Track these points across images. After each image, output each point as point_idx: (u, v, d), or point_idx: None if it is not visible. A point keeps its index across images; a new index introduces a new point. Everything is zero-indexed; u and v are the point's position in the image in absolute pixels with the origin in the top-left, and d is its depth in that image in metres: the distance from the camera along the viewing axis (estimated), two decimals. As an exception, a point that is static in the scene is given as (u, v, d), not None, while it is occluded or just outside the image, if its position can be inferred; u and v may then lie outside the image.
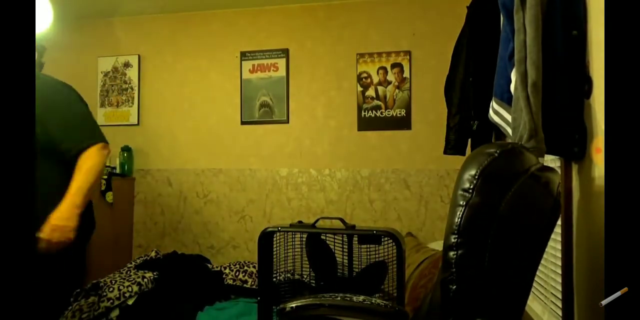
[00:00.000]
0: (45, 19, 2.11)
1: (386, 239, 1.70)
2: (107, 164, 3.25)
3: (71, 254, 1.73)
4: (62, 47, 3.44)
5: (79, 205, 1.62)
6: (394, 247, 1.66)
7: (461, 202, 0.76)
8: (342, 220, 1.79)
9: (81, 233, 1.76)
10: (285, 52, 3.29)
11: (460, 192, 0.77)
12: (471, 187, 0.75)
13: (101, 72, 3.55)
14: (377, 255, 1.74)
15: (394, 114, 3.13)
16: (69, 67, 3.51)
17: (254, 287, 2.74)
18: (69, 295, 1.84)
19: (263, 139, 3.32)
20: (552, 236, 1.30)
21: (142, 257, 3.03)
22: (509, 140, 1.22)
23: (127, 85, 3.52)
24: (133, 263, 2.94)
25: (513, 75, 1.18)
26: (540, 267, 1.54)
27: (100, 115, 3.53)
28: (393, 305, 1.19)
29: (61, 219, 1.59)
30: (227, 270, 2.85)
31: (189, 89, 3.44)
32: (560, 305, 1.31)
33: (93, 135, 1.73)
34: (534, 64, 1.10)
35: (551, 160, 1.49)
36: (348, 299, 1.15)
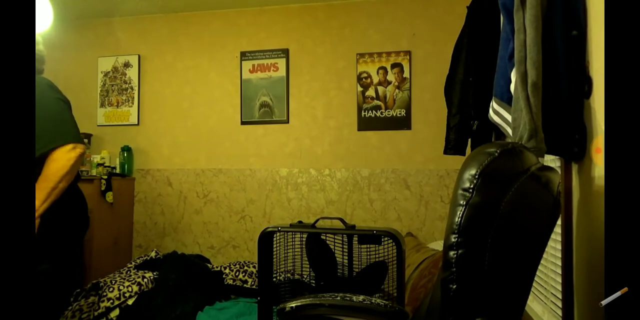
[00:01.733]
0: (45, 19, 2.11)
1: (386, 239, 1.70)
2: (107, 164, 3.26)
3: (67, 251, 1.73)
4: (62, 47, 3.44)
5: (36, 209, 1.58)
6: (394, 247, 1.66)
7: (461, 202, 0.76)
8: (342, 220, 1.79)
9: (75, 230, 1.76)
10: (285, 52, 3.29)
11: (460, 191, 0.77)
12: (471, 186, 0.75)
13: (101, 72, 3.55)
14: (377, 255, 1.74)
15: (394, 114, 3.13)
16: (69, 67, 3.52)
17: (254, 287, 2.74)
18: (68, 294, 1.84)
19: (263, 139, 3.32)
20: (552, 236, 1.30)
21: (142, 257, 3.03)
22: (509, 140, 1.22)
23: (127, 85, 3.52)
24: (133, 263, 2.94)
25: (513, 75, 1.18)
26: (540, 267, 1.54)
27: (100, 115, 3.53)
28: (393, 305, 1.18)
29: None
30: (227, 270, 2.85)
31: (189, 89, 3.44)
32: (560, 305, 1.31)
33: (60, 136, 1.64)
34: (534, 64, 1.10)
35: (551, 160, 1.49)
36: (348, 298, 1.15)
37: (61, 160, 1.61)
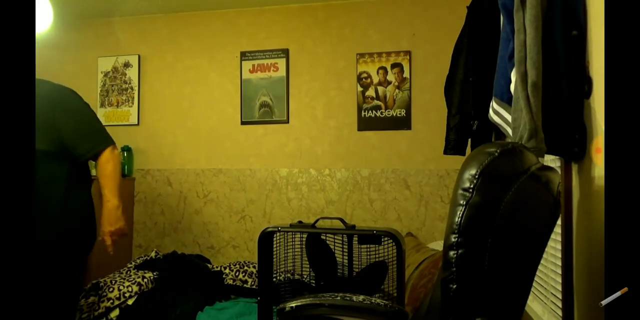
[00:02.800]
0: (45, 19, 2.11)
1: (386, 239, 1.70)
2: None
3: (72, 264, 1.76)
4: (62, 47, 3.44)
5: (118, 205, 1.83)
6: (394, 247, 1.66)
7: (461, 202, 0.76)
8: (342, 220, 1.79)
9: (82, 244, 1.79)
10: (285, 52, 3.29)
11: (460, 191, 0.77)
12: (471, 186, 0.75)
13: (101, 72, 3.56)
14: (377, 255, 1.74)
15: (394, 114, 3.13)
16: (69, 67, 3.52)
17: (254, 287, 2.74)
18: (72, 301, 1.88)
19: (263, 139, 3.32)
20: (552, 236, 1.30)
21: (142, 257, 3.03)
22: (509, 140, 1.22)
23: (127, 85, 3.52)
24: (133, 263, 2.94)
25: (513, 75, 1.18)
26: (540, 267, 1.54)
27: (100, 115, 3.52)
28: (393, 305, 1.18)
29: (111, 224, 1.82)
30: (227, 270, 2.85)
31: (189, 89, 3.44)
32: (560, 305, 1.31)
33: (103, 139, 1.89)
34: (534, 64, 1.10)
35: (551, 160, 1.49)
36: (348, 298, 1.15)
37: (113, 160, 1.87)
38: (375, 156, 3.15)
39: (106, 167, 1.84)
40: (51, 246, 1.63)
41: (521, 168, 0.80)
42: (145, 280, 2.63)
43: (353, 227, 1.75)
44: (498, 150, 0.78)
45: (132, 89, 3.51)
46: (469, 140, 2.07)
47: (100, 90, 3.55)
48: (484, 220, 0.75)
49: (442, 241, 0.84)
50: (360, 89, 3.19)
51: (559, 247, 1.35)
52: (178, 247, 3.34)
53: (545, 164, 0.91)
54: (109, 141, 1.90)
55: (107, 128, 3.59)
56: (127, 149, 3.40)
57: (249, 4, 3.31)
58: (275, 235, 1.80)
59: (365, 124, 3.17)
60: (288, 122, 3.28)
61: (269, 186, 3.28)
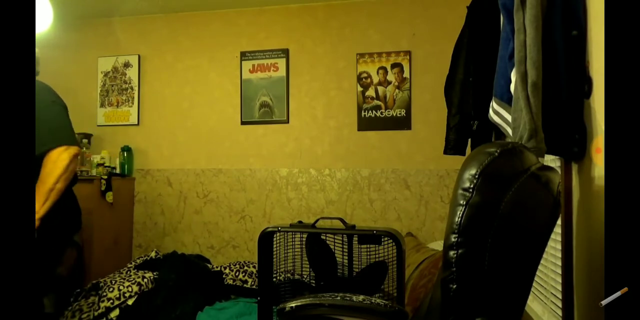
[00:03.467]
0: (45, 19, 2.11)
1: (386, 239, 1.70)
2: (107, 164, 3.26)
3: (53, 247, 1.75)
4: (62, 47, 3.45)
5: (37, 219, 1.62)
6: (394, 247, 1.65)
7: (461, 202, 0.76)
8: (342, 220, 1.78)
9: (64, 228, 1.77)
10: (285, 52, 3.29)
11: (460, 191, 0.77)
12: (471, 186, 0.75)
13: (101, 72, 3.55)
14: (377, 255, 1.74)
15: (394, 114, 3.13)
16: (69, 67, 3.52)
17: (254, 287, 2.74)
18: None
19: (263, 139, 3.32)
20: (552, 236, 1.30)
21: (142, 257, 3.03)
22: (509, 140, 1.22)
23: (127, 85, 3.52)
24: (133, 263, 2.94)
25: (513, 75, 1.18)
26: (540, 267, 1.54)
27: (100, 115, 3.53)
28: (393, 305, 1.18)
29: None
30: (227, 270, 2.85)
31: (189, 89, 3.44)
32: (560, 305, 1.31)
33: (53, 139, 1.68)
34: (534, 64, 1.10)
35: (551, 160, 1.49)
36: (348, 298, 1.15)
37: (55, 162, 1.65)
38: (375, 156, 3.15)
39: (43, 168, 1.63)
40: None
41: (521, 168, 0.80)
42: (145, 280, 2.63)
43: (353, 227, 1.75)
44: (498, 150, 0.78)
45: (132, 89, 3.51)
46: (469, 140, 2.07)
47: (100, 90, 3.55)
48: (484, 220, 0.75)
49: (442, 241, 0.84)
50: (360, 89, 3.19)
51: (559, 247, 1.35)
52: (178, 247, 3.34)
53: (545, 164, 0.91)
54: (59, 141, 1.67)
55: (107, 128, 3.61)
56: (127, 149, 3.40)
57: (249, 4, 3.31)
58: (275, 235, 1.80)
59: (365, 124, 3.17)
60: (288, 122, 3.28)
61: (269, 186, 3.28)
